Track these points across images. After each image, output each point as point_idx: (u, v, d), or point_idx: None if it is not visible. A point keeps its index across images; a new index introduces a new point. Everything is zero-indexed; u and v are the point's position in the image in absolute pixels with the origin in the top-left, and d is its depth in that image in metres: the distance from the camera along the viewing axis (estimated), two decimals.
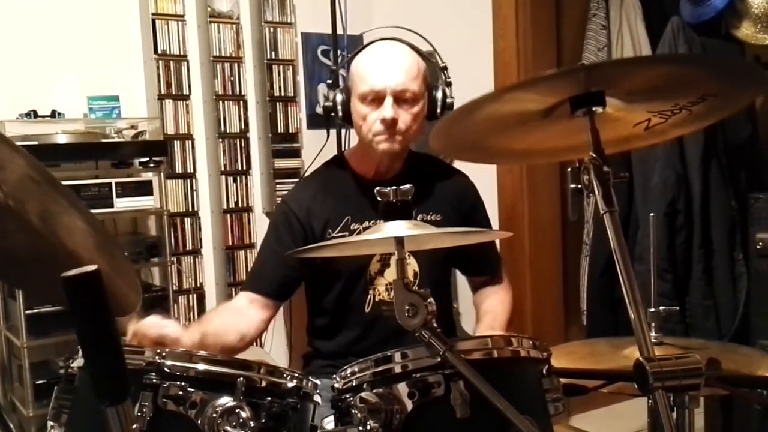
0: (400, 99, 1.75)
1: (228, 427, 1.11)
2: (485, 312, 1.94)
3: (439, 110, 1.83)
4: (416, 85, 1.76)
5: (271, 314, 1.82)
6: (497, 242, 2.08)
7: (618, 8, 3.23)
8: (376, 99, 1.75)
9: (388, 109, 1.74)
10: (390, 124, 1.75)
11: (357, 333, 1.84)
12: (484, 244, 1.94)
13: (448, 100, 1.84)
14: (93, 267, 0.65)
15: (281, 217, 1.87)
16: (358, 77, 1.78)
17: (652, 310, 1.52)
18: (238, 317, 1.76)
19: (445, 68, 1.94)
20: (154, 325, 1.46)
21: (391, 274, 1.82)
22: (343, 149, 3.35)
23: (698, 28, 2.87)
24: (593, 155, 1.16)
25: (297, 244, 1.79)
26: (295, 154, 3.72)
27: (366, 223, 1.82)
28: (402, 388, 1.16)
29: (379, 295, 1.83)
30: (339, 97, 1.84)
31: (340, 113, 1.84)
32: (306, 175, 2.08)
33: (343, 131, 3.40)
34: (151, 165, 3.21)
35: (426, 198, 1.86)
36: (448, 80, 1.91)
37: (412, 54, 1.79)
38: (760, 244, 2.63)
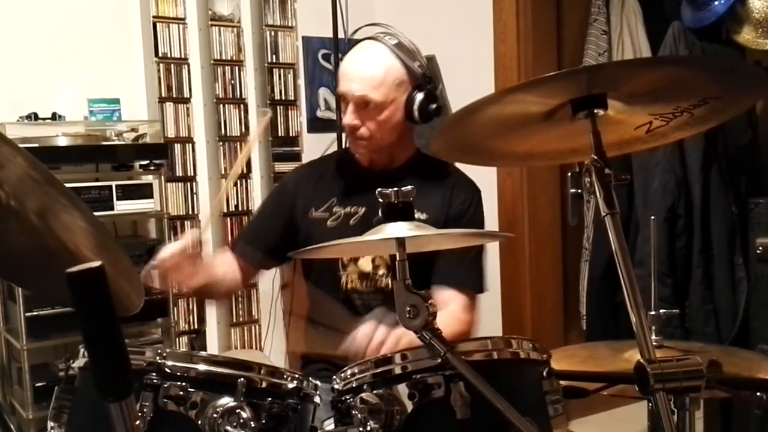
0: (362, 106, 1.75)
1: (228, 428, 1.11)
2: None
3: (417, 114, 1.77)
4: (378, 94, 1.72)
5: (247, 277, 1.90)
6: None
7: (619, 13, 3.23)
8: (345, 102, 1.78)
9: (347, 116, 1.77)
10: (349, 131, 1.78)
11: None
12: (447, 254, 1.72)
13: (432, 106, 1.78)
14: (97, 263, 0.65)
15: (277, 188, 2.02)
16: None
17: (653, 313, 1.52)
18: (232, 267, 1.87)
19: (426, 74, 1.81)
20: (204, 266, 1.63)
21: (365, 263, 1.79)
22: None
23: (699, 33, 2.88)
24: (595, 157, 1.16)
25: (281, 214, 1.88)
26: (296, 157, 3.72)
27: (349, 209, 1.82)
28: (402, 389, 1.16)
29: (352, 282, 1.80)
30: None
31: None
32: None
33: (343, 135, 3.40)
34: (152, 168, 3.22)
35: (416, 195, 1.84)
36: (429, 86, 1.80)
37: (384, 59, 1.74)
38: (760, 248, 2.64)
